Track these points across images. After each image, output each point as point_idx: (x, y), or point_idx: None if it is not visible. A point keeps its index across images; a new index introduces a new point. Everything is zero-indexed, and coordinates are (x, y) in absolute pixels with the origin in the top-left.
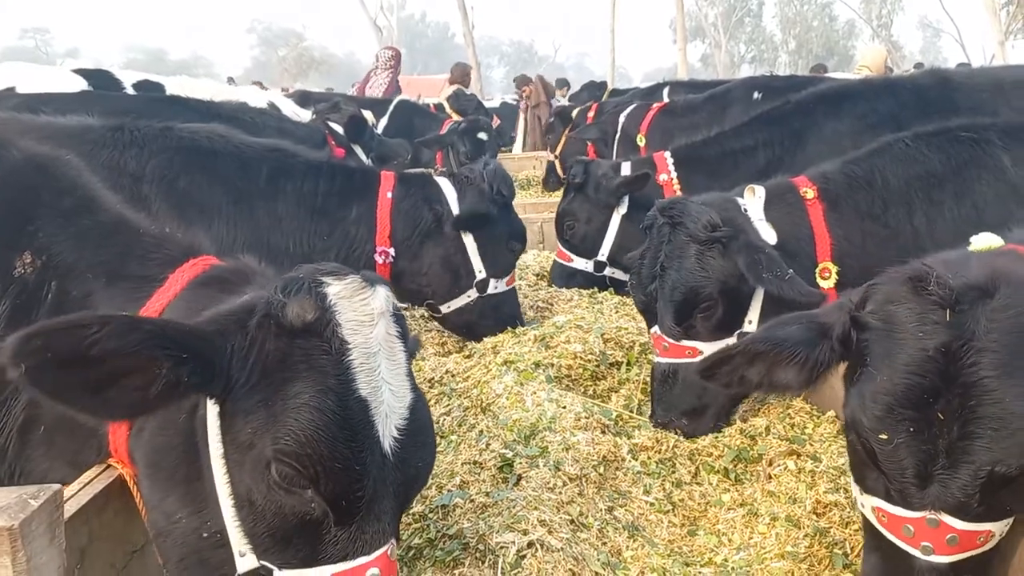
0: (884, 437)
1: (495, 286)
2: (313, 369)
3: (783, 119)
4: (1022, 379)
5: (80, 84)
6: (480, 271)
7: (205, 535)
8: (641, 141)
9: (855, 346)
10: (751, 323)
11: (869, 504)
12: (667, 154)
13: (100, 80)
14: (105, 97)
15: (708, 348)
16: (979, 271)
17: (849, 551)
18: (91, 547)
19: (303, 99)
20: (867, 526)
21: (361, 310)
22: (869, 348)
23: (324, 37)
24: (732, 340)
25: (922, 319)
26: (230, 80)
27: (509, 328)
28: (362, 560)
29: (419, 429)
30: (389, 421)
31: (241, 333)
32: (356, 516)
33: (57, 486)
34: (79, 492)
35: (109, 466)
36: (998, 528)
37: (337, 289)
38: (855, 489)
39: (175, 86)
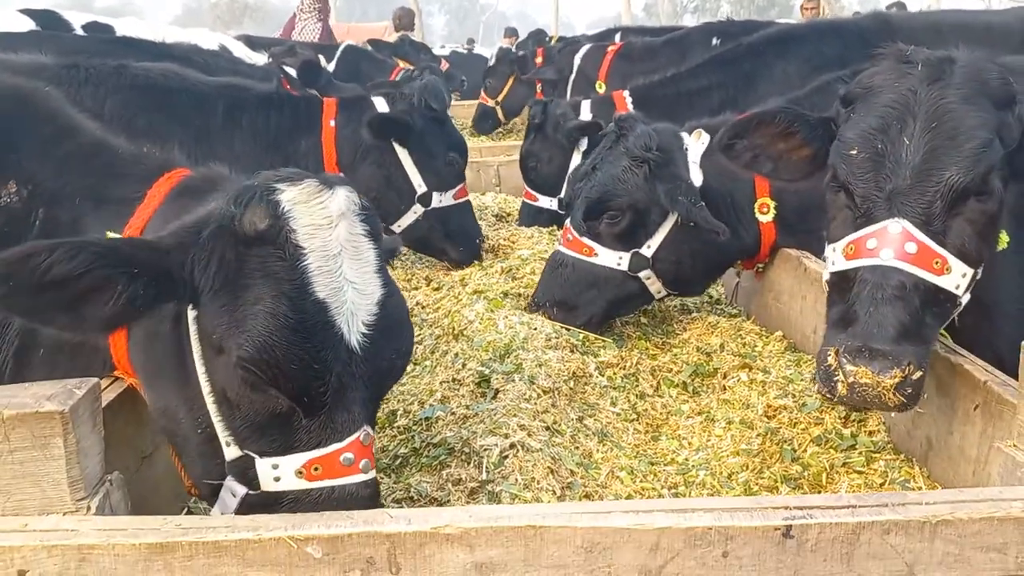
0: (854, 152)
1: (439, 199)
2: (268, 276)
3: (735, 61)
4: (980, 106)
5: (28, 24)
6: (420, 185)
7: (199, 431)
8: (601, 88)
9: (842, 120)
10: (650, 248)
11: (840, 249)
12: (626, 93)
13: (47, 20)
14: (55, 37)
15: (603, 253)
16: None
17: (796, 447)
18: (106, 451)
19: (248, 45)
20: (832, 286)
21: (318, 213)
22: (854, 110)
23: None
24: (627, 256)
25: (898, 72)
26: None
27: (467, 241)
28: (335, 446)
29: (391, 323)
30: (356, 318)
31: (199, 244)
32: (323, 409)
33: (95, 379)
34: None
35: (117, 378)
36: (955, 265)
37: (292, 195)
38: (830, 253)
39: (125, 27)
